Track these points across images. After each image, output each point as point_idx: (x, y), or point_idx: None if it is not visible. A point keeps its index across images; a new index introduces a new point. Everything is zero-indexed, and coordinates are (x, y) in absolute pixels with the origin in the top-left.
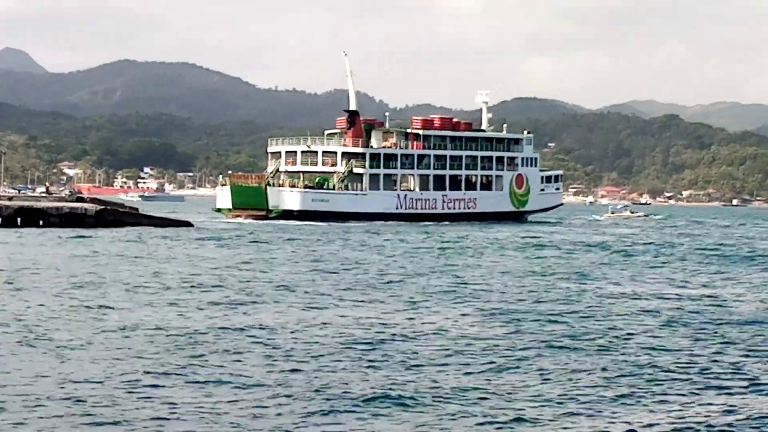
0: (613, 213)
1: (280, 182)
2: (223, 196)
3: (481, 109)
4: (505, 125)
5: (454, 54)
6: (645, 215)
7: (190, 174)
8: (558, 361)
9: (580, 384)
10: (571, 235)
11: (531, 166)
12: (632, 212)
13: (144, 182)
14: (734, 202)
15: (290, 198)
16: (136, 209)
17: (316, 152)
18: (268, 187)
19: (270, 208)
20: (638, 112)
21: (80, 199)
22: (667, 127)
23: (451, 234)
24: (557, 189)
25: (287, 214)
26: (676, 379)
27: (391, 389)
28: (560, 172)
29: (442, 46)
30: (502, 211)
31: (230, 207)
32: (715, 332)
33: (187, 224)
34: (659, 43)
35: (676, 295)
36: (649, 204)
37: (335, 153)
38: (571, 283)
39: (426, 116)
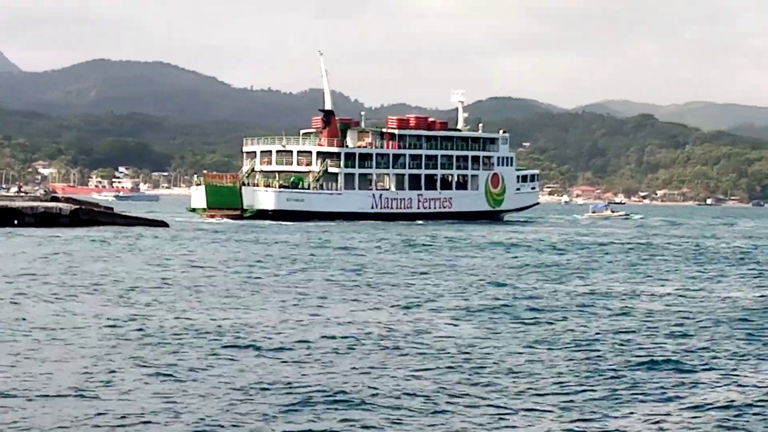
0: (594, 212)
1: (255, 182)
2: (198, 196)
3: (456, 109)
4: (480, 125)
5: (429, 53)
6: (626, 215)
7: (165, 174)
8: (534, 360)
9: (556, 382)
10: (553, 235)
11: (507, 165)
12: (613, 212)
13: (119, 182)
14: (708, 201)
15: (265, 198)
16: (111, 209)
17: (291, 152)
18: (242, 187)
19: (245, 207)
20: (613, 111)
21: (55, 199)
22: (641, 126)
23: (425, 233)
24: (533, 188)
25: (262, 214)
26: (652, 376)
27: (368, 388)
28: (536, 171)
29: (418, 45)
30: (478, 211)
31: (205, 207)
32: (692, 329)
33: (163, 224)
34: (633, 43)
35: (655, 293)
36: (624, 203)
37: (310, 152)
38: (550, 282)
39: (401, 116)
